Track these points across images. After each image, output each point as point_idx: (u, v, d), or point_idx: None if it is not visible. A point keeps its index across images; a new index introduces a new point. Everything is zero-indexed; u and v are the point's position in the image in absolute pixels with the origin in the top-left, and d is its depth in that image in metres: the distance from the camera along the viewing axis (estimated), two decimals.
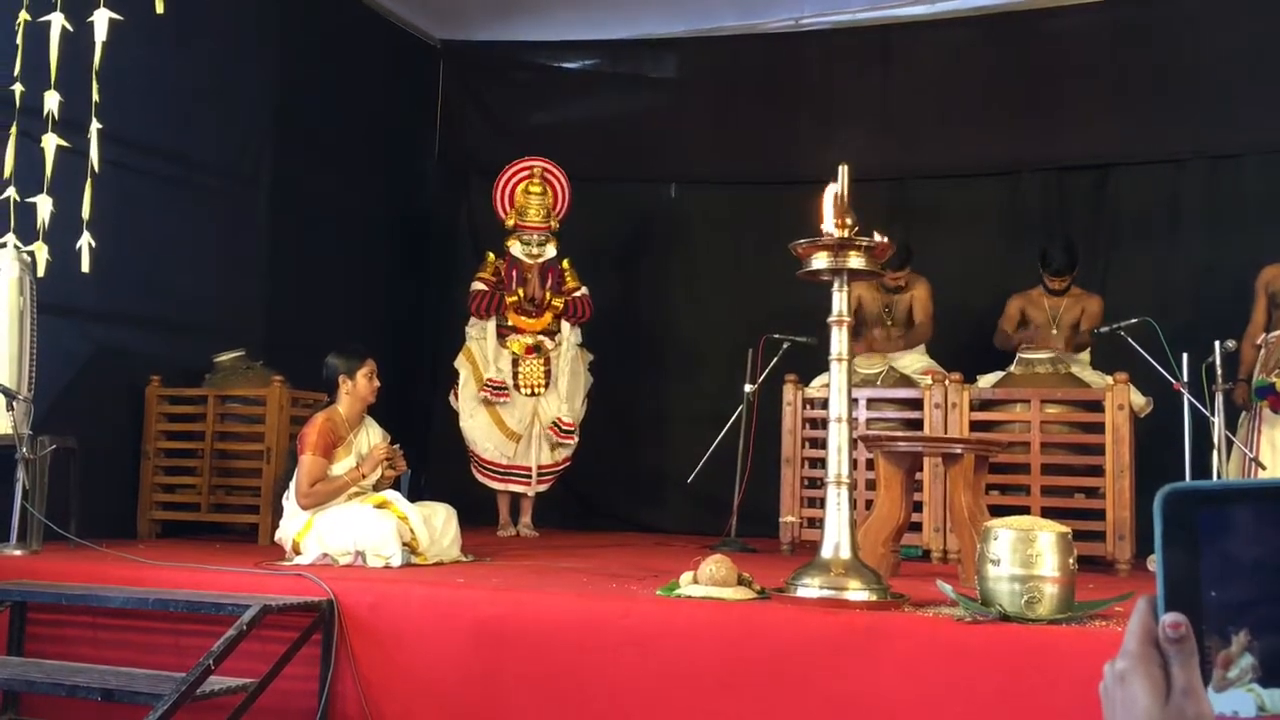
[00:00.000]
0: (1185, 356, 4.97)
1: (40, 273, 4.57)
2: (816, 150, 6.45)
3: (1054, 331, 6.03)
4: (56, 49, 4.34)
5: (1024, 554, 3.12)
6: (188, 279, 6.03)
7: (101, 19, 4.29)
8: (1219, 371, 4.94)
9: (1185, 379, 4.96)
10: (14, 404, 4.55)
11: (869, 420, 5.57)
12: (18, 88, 4.56)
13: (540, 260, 6.56)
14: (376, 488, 4.74)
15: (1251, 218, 6.52)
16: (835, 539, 3.42)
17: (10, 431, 4.54)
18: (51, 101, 4.44)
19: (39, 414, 4.74)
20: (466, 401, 6.50)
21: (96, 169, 4.47)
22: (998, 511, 4.15)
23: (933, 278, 6.33)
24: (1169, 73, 6.76)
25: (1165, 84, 6.77)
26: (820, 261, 3.45)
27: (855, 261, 3.42)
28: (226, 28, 6.26)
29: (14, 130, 4.59)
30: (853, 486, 3.51)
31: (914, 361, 6.12)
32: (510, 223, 6.64)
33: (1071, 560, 3.17)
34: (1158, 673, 0.73)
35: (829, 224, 3.43)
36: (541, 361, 6.51)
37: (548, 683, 3.38)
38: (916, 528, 5.11)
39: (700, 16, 7.66)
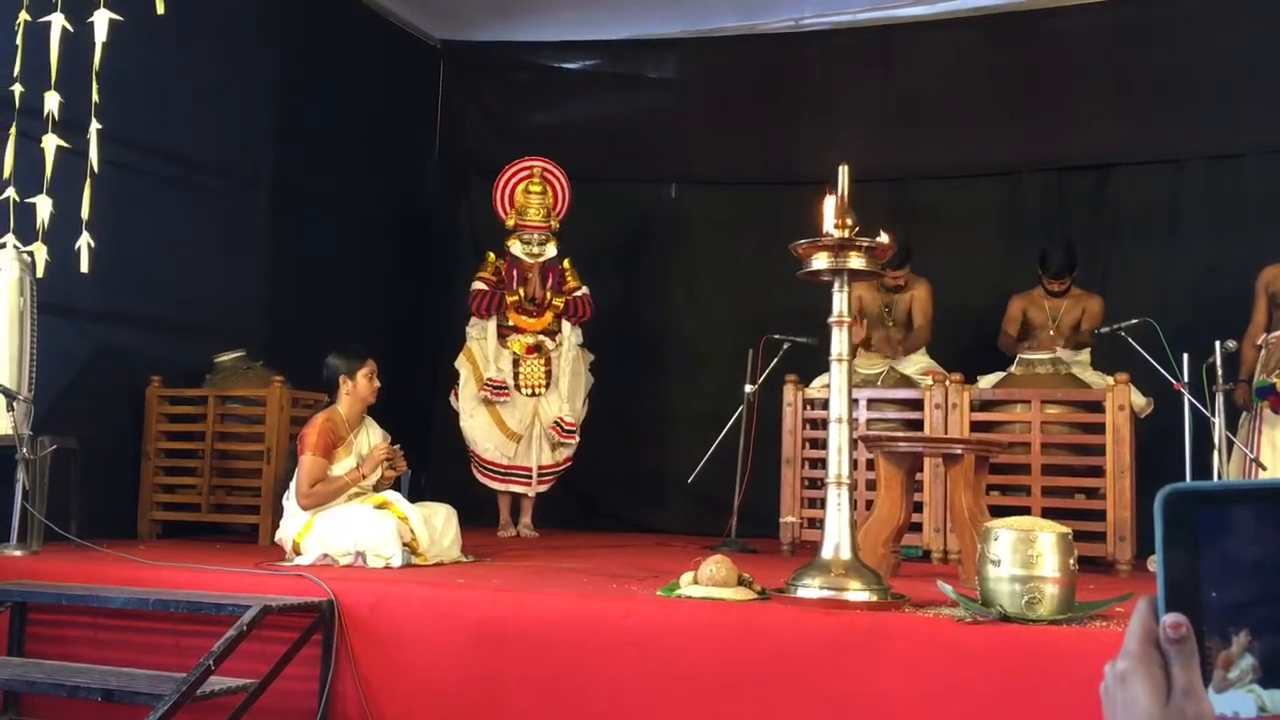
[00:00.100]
0: (1186, 357, 4.97)
1: (40, 273, 4.57)
2: (817, 150, 6.46)
3: (1054, 332, 6.03)
4: (57, 49, 4.34)
5: (1024, 554, 3.12)
6: (188, 279, 6.03)
7: (101, 19, 4.29)
8: (1219, 372, 4.94)
9: (1186, 379, 4.96)
10: (14, 404, 4.55)
11: (869, 421, 5.56)
12: (17, 88, 4.56)
13: (541, 260, 6.56)
14: (377, 488, 4.74)
15: (1252, 218, 6.52)
16: (835, 539, 3.42)
17: (10, 432, 4.54)
18: (51, 102, 4.44)
19: (39, 414, 4.74)
20: (467, 401, 6.50)
21: (96, 169, 4.47)
22: (998, 512, 4.15)
23: (933, 278, 6.33)
24: (1169, 73, 6.76)
25: (1165, 84, 6.77)
26: (820, 262, 3.45)
27: (855, 262, 3.42)
28: (226, 28, 6.26)
29: (14, 130, 4.59)
30: (853, 487, 3.51)
31: (914, 362, 6.12)
32: (510, 222, 6.64)
33: (1072, 561, 3.17)
34: (1158, 673, 0.73)
35: (829, 224, 3.43)
36: (542, 361, 6.51)
37: (548, 683, 3.38)
38: (917, 528, 5.11)
39: (700, 17, 7.66)
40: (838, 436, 3.45)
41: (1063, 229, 6.70)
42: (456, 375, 6.58)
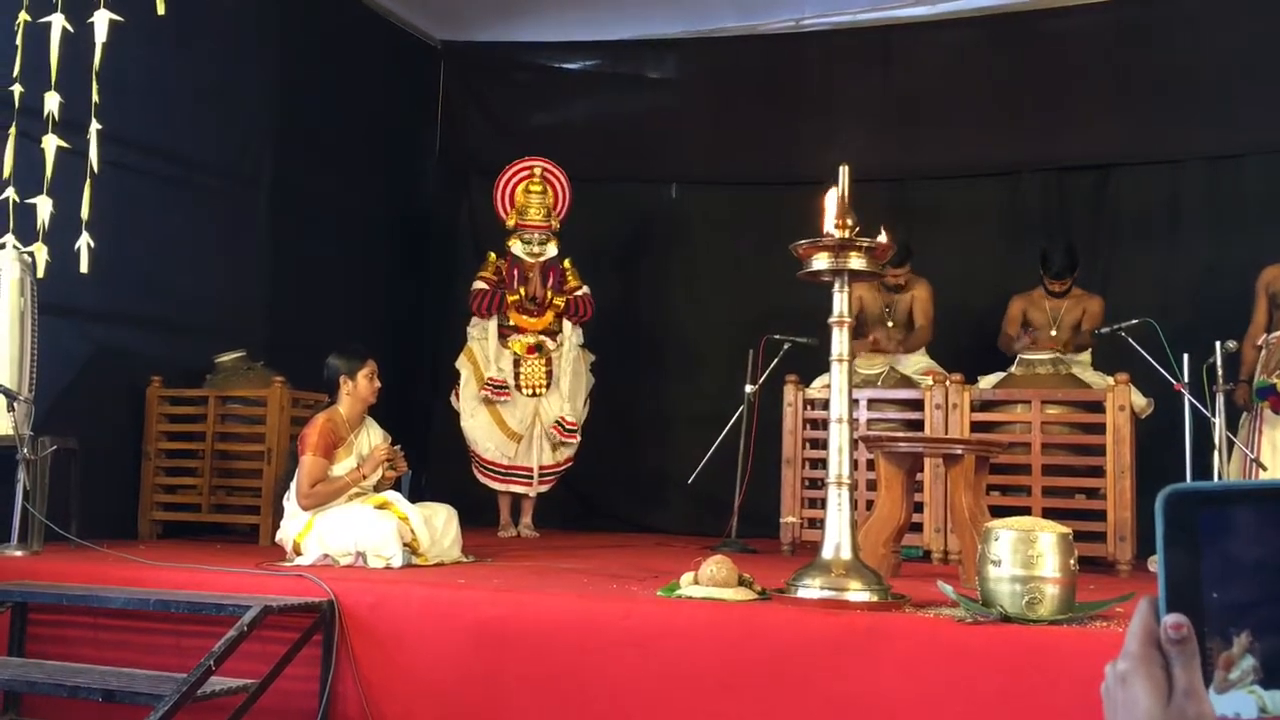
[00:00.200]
0: (1186, 357, 4.97)
1: (40, 273, 4.57)
2: (817, 151, 6.46)
3: (1055, 332, 6.03)
4: (57, 50, 4.35)
5: (1025, 555, 3.12)
6: (188, 279, 6.03)
7: (101, 19, 4.29)
8: (1220, 372, 4.94)
9: (1186, 380, 4.96)
10: (15, 405, 4.55)
11: (870, 421, 5.56)
12: (17, 88, 4.57)
13: (541, 259, 6.57)
14: (377, 488, 4.74)
15: (1252, 218, 6.52)
16: (836, 540, 3.42)
17: (11, 432, 4.54)
18: (52, 102, 4.44)
19: (40, 415, 4.75)
20: (468, 401, 6.50)
21: (96, 169, 4.47)
22: (998, 512, 4.15)
23: (933, 278, 6.33)
24: (1169, 73, 6.76)
25: (1165, 84, 6.77)
26: (821, 262, 3.44)
27: (856, 262, 3.42)
28: (227, 28, 6.26)
29: (13, 131, 4.59)
30: (853, 487, 3.50)
31: (915, 362, 6.12)
32: (511, 222, 6.65)
33: (1072, 561, 3.17)
34: (1159, 674, 0.73)
35: (829, 225, 3.43)
36: (543, 361, 6.51)
37: (548, 683, 3.38)
38: (917, 528, 5.11)
39: (700, 17, 7.66)
40: (838, 437, 3.45)
41: (1063, 229, 6.70)
42: (457, 375, 6.58)
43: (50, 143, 4.45)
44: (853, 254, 3.41)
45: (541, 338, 6.53)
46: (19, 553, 4.51)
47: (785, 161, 7.37)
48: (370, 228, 7.67)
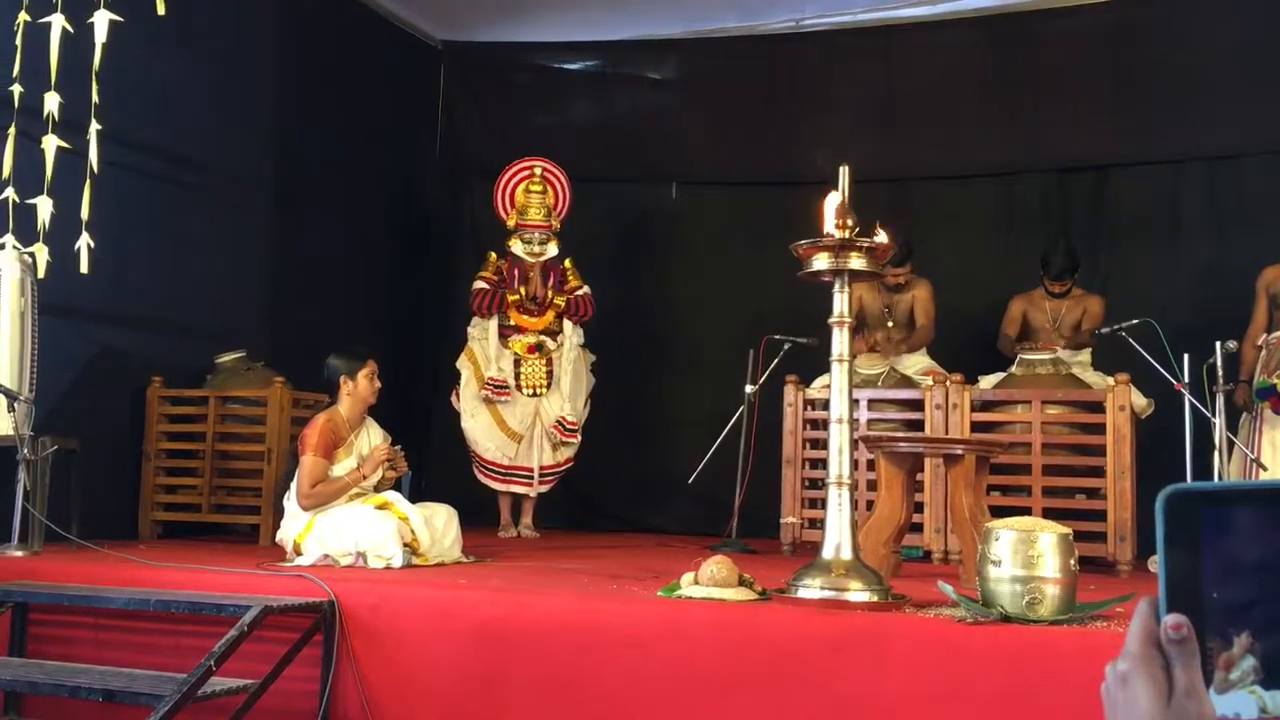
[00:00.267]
0: (1186, 357, 4.97)
1: (41, 274, 4.57)
2: (817, 151, 6.46)
3: (1055, 333, 6.03)
4: (57, 50, 4.35)
5: (1025, 555, 3.12)
6: (188, 280, 6.03)
7: (101, 20, 4.30)
8: (1220, 372, 4.94)
9: (1186, 380, 4.96)
10: (15, 405, 4.55)
11: (870, 421, 5.56)
12: (17, 88, 4.57)
13: (542, 259, 6.57)
14: (377, 489, 4.74)
15: (1252, 218, 6.52)
16: (836, 540, 3.42)
17: (12, 433, 4.54)
18: (51, 102, 4.44)
19: (40, 415, 4.74)
20: (468, 401, 6.51)
21: (96, 170, 4.48)
22: (999, 512, 4.15)
23: (933, 279, 6.33)
24: (1169, 73, 6.76)
25: (1165, 84, 6.77)
26: (821, 262, 3.45)
27: (856, 262, 3.42)
28: (227, 28, 6.26)
29: (13, 131, 4.59)
30: (854, 487, 3.50)
31: (915, 362, 6.12)
32: (511, 222, 6.65)
33: (1073, 561, 3.17)
34: (1160, 674, 0.73)
35: (830, 225, 3.43)
36: (544, 361, 6.51)
37: (549, 684, 3.38)
38: (917, 528, 5.11)
39: (700, 17, 7.66)
40: (838, 437, 3.45)
41: (1063, 230, 6.70)
42: (458, 375, 6.59)
43: (50, 143, 4.46)
44: (853, 254, 3.41)
45: (542, 337, 6.53)
46: (19, 553, 4.51)
47: (785, 161, 7.37)
48: (370, 228, 7.68)
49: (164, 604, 3.79)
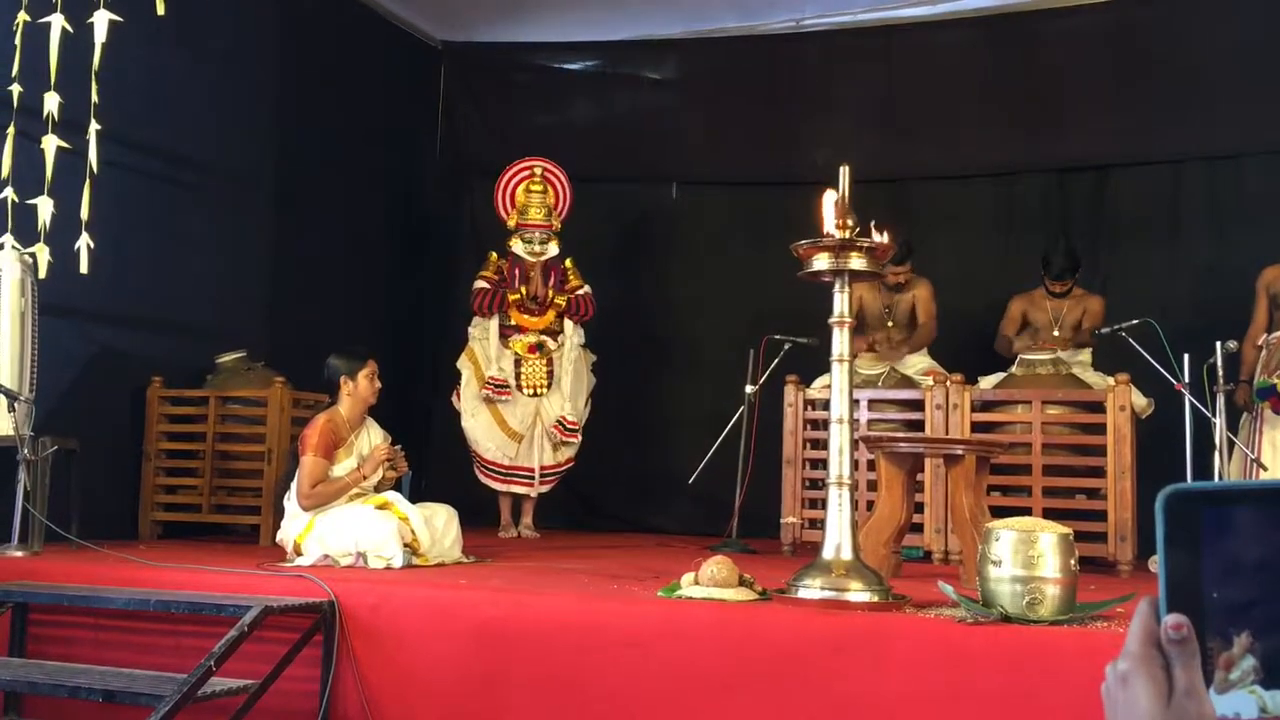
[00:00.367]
0: (1186, 357, 4.97)
1: (42, 274, 4.57)
2: (817, 151, 6.46)
3: (1055, 333, 6.03)
4: (56, 50, 4.35)
5: (1025, 555, 3.12)
6: (189, 280, 6.03)
7: (101, 20, 4.30)
8: (1220, 372, 4.94)
9: (1186, 380, 4.96)
10: (15, 405, 4.55)
11: (870, 421, 5.56)
12: (16, 88, 4.57)
13: (542, 258, 6.58)
14: (378, 489, 4.74)
15: (1252, 218, 6.52)
16: (836, 540, 3.42)
17: (12, 433, 4.54)
18: (51, 103, 4.44)
19: (40, 415, 4.74)
20: (469, 401, 6.51)
21: (95, 170, 4.47)
22: (999, 512, 4.15)
23: (933, 279, 6.33)
24: (1169, 73, 6.76)
25: (1165, 84, 6.77)
26: (821, 262, 3.45)
27: (856, 262, 3.42)
28: (227, 28, 6.26)
29: (12, 130, 4.59)
30: (854, 487, 3.50)
31: (915, 362, 6.12)
32: (512, 222, 6.66)
33: (1073, 561, 3.17)
34: (1160, 674, 0.73)
35: (830, 225, 3.43)
36: (544, 361, 6.51)
37: (549, 684, 3.38)
38: (918, 529, 5.10)
39: (700, 17, 7.66)
40: (839, 437, 3.45)
41: (1063, 229, 6.70)
42: (458, 375, 6.59)
43: (50, 143, 4.46)
44: (853, 254, 3.41)
45: (543, 337, 6.54)
46: (19, 553, 4.51)
47: (785, 161, 7.37)
48: (370, 228, 7.68)
49: (164, 604, 3.79)
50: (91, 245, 4.52)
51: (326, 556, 4.40)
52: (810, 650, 3.13)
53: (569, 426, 6.48)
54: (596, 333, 6.85)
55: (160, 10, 4.38)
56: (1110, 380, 5.19)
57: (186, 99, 6.02)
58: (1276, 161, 6.52)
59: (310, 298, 6.81)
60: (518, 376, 6.49)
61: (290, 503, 4.60)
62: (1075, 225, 6.90)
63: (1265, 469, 5.22)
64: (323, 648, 3.66)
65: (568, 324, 6.58)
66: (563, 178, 6.78)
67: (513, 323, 6.54)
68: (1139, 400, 5.25)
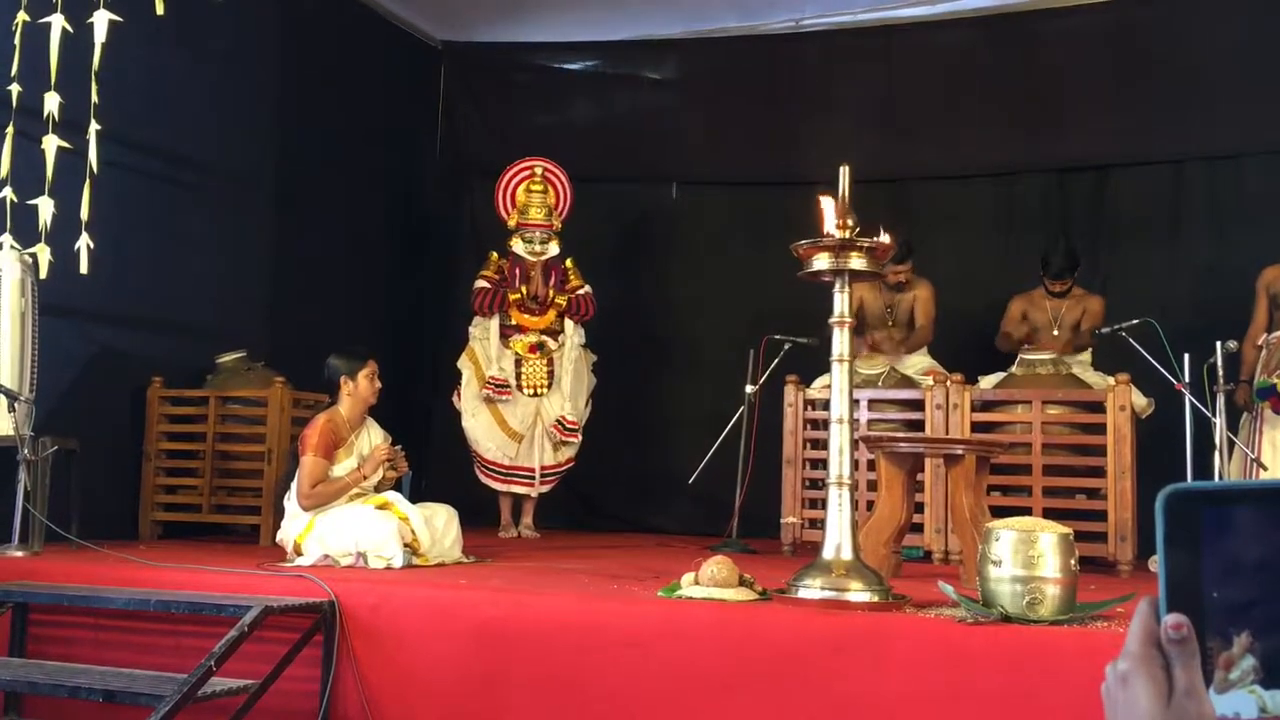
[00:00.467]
0: (1186, 357, 4.97)
1: (43, 274, 4.57)
2: (817, 151, 6.46)
3: (1055, 332, 6.03)
4: (57, 50, 4.35)
5: (1025, 555, 3.12)
6: (189, 280, 6.03)
7: (101, 20, 4.30)
8: (1220, 372, 4.94)
9: (1186, 380, 4.96)
10: (15, 405, 4.55)
11: (870, 421, 5.56)
12: (14, 88, 4.57)
13: (543, 258, 6.58)
14: (378, 489, 4.74)
15: (1252, 218, 6.52)
16: (836, 540, 3.42)
17: (12, 433, 4.54)
18: (52, 103, 4.44)
19: (40, 415, 4.75)
20: (469, 401, 6.51)
21: (95, 170, 4.47)
22: (999, 512, 4.15)
23: (933, 279, 6.33)
24: (1169, 73, 6.76)
25: (1165, 84, 6.77)
26: (821, 262, 3.45)
27: (856, 262, 3.42)
28: (227, 28, 6.26)
29: (10, 130, 4.59)
30: (854, 487, 3.50)
31: (916, 362, 6.12)
32: (512, 222, 6.66)
33: (1073, 561, 3.17)
34: (1160, 674, 0.73)
35: (830, 225, 3.43)
36: (545, 361, 6.51)
37: (549, 684, 3.38)
38: (918, 529, 5.10)
39: (700, 17, 7.66)
40: (839, 437, 3.45)
41: (1063, 229, 6.70)
42: (459, 375, 6.59)
43: (51, 143, 4.45)
44: (853, 254, 3.41)
45: (543, 337, 6.54)
46: (20, 553, 4.52)
47: (785, 161, 7.37)
48: (370, 228, 7.68)
49: (164, 604, 3.79)
50: (91, 245, 4.52)
51: (327, 556, 4.40)
52: (810, 650, 3.13)
53: (568, 426, 6.48)
54: (597, 333, 6.85)
55: (160, 10, 4.38)
56: (1110, 380, 5.19)
57: (186, 99, 6.02)
58: (1276, 161, 6.52)
59: (310, 298, 6.81)
60: (518, 376, 6.49)
61: (290, 503, 4.60)
62: (1075, 225, 6.90)
63: (1265, 469, 5.23)
64: (323, 648, 3.66)
65: (568, 324, 6.58)
66: (563, 177, 6.78)
67: (513, 322, 6.54)
68: (1139, 400, 5.25)
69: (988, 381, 5.62)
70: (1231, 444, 5.16)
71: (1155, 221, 6.90)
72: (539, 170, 6.73)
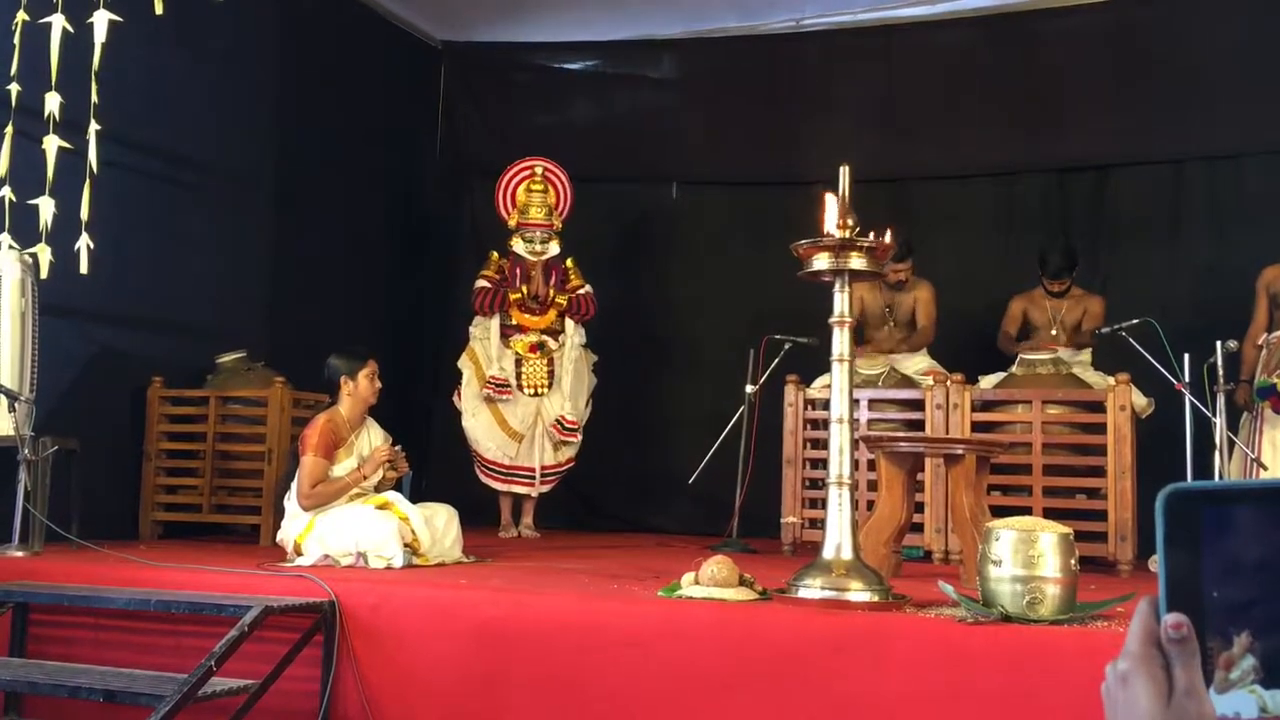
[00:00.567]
0: (1186, 357, 4.97)
1: (43, 274, 4.58)
2: (817, 151, 6.46)
3: (1055, 332, 6.03)
4: (57, 50, 4.35)
5: (1026, 555, 3.12)
6: (189, 280, 6.03)
7: (101, 20, 4.30)
8: (1220, 372, 4.94)
9: (1187, 380, 4.96)
10: (16, 405, 4.55)
11: (870, 421, 5.56)
12: (14, 87, 4.56)
13: (543, 257, 6.58)
14: (378, 489, 4.74)
15: (1252, 218, 6.52)
16: (837, 540, 3.42)
17: (12, 433, 4.54)
18: (52, 103, 4.44)
19: (40, 415, 4.75)
20: (469, 400, 6.51)
21: (95, 170, 4.47)
22: (999, 512, 4.15)
23: (933, 279, 6.33)
24: (1169, 73, 6.76)
25: (1165, 84, 6.77)
26: (821, 262, 3.45)
27: (856, 262, 3.42)
28: (227, 28, 6.26)
29: (9, 130, 4.59)
30: (854, 487, 3.50)
31: (916, 362, 6.12)
32: (513, 222, 6.66)
33: (1073, 561, 3.17)
34: (1160, 673, 0.73)
35: (830, 225, 3.43)
36: (545, 361, 6.51)
37: (549, 684, 3.38)
38: (918, 528, 5.10)
39: (700, 17, 7.66)
40: (839, 437, 3.45)
41: (1063, 229, 6.70)
42: (459, 375, 6.59)
43: (52, 143, 4.45)
44: (853, 254, 3.41)
45: (544, 337, 6.54)
46: (20, 553, 4.52)
47: (785, 161, 7.37)
48: (370, 228, 7.68)
49: (164, 604, 3.79)
50: (91, 245, 4.52)
51: (327, 556, 4.40)
52: (810, 650, 3.13)
53: (567, 426, 6.48)
54: (597, 333, 6.85)
55: (159, 9, 4.38)
56: (1110, 380, 5.19)
57: (186, 99, 6.02)
58: (1276, 161, 6.52)
59: (310, 298, 6.81)
60: (519, 376, 6.49)
61: (290, 503, 4.60)
62: (1075, 225, 6.90)
63: (1265, 468, 5.22)
64: (323, 648, 3.66)
65: (569, 323, 6.58)
66: (563, 177, 6.78)
67: (514, 322, 6.54)
68: (1139, 400, 5.25)
69: (988, 381, 5.62)
70: (1231, 444, 5.16)
71: (1155, 221, 6.90)
72: (539, 170, 6.74)
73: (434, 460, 7.62)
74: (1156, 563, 0.76)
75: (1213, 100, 6.61)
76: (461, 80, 8.32)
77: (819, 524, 5.17)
